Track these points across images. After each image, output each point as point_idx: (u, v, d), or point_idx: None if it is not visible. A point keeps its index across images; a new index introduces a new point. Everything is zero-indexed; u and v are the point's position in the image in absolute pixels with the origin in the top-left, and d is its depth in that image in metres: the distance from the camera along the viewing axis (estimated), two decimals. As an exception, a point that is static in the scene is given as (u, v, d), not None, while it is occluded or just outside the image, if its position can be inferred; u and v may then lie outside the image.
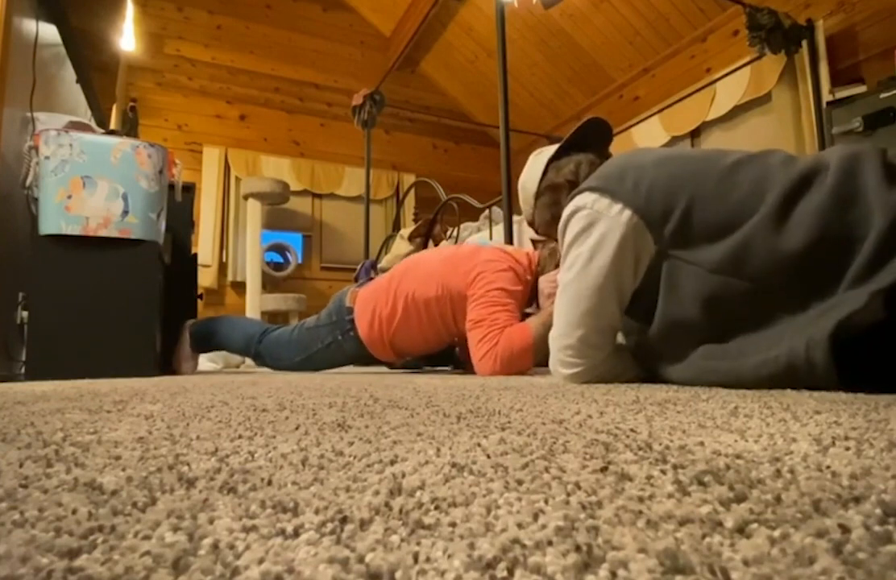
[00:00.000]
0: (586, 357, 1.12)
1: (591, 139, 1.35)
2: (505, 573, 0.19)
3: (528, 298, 1.73)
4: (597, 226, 1.09)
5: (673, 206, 1.01)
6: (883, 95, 2.62)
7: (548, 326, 1.58)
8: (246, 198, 4.73)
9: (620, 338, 1.34)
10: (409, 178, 5.70)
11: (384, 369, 2.34)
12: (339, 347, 1.96)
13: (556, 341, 1.16)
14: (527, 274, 1.73)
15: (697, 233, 0.99)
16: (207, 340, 2.19)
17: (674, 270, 1.02)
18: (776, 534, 0.22)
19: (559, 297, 1.16)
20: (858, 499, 0.26)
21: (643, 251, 1.06)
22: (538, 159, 1.37)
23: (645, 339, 1.12)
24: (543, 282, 1.66)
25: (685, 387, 0.98)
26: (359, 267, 3.86)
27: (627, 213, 1.06)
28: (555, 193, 1.31)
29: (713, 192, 0.99)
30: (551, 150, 1.36)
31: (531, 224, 1.43)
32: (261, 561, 0.21)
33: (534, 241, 1.80)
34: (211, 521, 0.25)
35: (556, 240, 1.41)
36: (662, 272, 1.04)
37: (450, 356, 2.24)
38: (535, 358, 1.56)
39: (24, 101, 2.07)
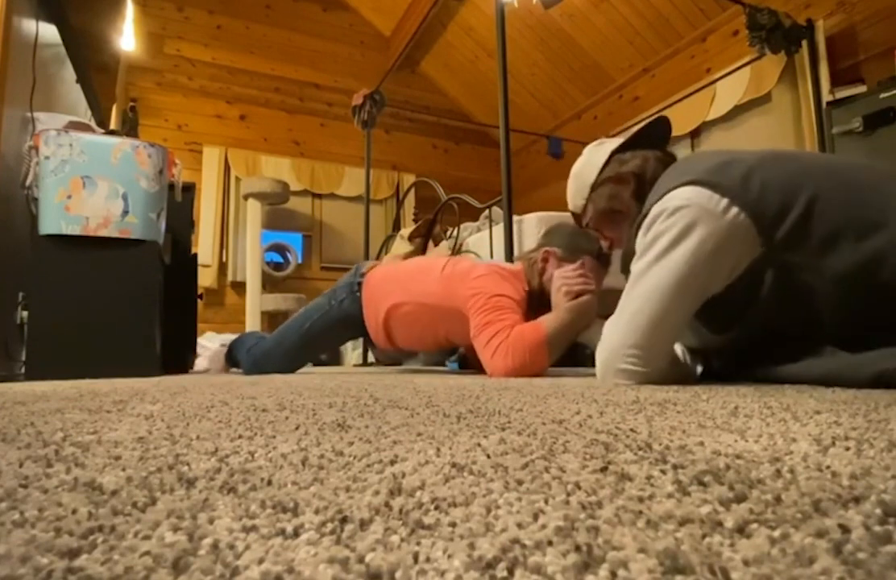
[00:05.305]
0: (650, 362, 1.01)
1: (655, 140, 1.28)
2: (505, 573, 0.19)
3: (527, 310, 1.69)
4: (694, 220, 0.98)
5: (790, 206, 0.92)
6: (883, 95, 2.62)
7: (563, 324, 1.52)
8: (246, 198, 4.74)
9: (678, 349, 1.23)
10: (409, 178, 5.70)
11: (384, 369, 2.35)
12: (354, 302, 1.99)
13: (616, 336, 1.03)
14: (522, 287, 1.70)
15: (818, 236, 0.91)
16: (233, 359, 2.29)
17: (784, 274, 0.94)
18: (776, 534, 0.22)
19: (630, 289, 1.04)
20: (858, 499, 0.26)
21: (743, 255, 0.97)
22: (599, 149, 1.29)
23: (740, 343, 1.05)
24: (558, 277, 1.58)
25: (686, 387, 0.98)
26: (359, 267, 3.85)
27: (734, 210, 0.95)
28: (618, 185, 1.23)
29: (837, 195, 0.92)
30: (613, 142, 1.29)
31: (577, 216, 1.35)
32: (261, 561, 0.21)
33: (518, 259, 1.77)
34: (211, 521, 0.25)
35: (604, 235, 1.32)
36: (767, 276, 0.96)
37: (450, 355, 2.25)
38: (551, 357, 1.51)
39: (24, 101, 2.07)
